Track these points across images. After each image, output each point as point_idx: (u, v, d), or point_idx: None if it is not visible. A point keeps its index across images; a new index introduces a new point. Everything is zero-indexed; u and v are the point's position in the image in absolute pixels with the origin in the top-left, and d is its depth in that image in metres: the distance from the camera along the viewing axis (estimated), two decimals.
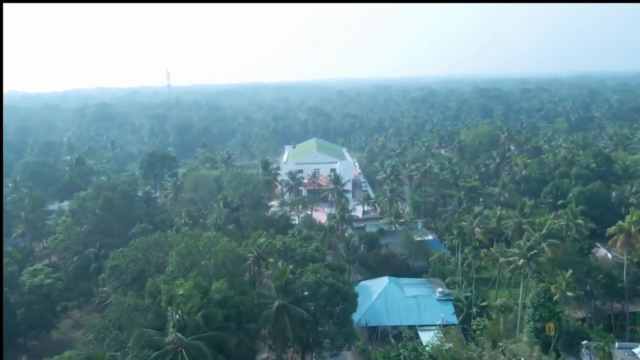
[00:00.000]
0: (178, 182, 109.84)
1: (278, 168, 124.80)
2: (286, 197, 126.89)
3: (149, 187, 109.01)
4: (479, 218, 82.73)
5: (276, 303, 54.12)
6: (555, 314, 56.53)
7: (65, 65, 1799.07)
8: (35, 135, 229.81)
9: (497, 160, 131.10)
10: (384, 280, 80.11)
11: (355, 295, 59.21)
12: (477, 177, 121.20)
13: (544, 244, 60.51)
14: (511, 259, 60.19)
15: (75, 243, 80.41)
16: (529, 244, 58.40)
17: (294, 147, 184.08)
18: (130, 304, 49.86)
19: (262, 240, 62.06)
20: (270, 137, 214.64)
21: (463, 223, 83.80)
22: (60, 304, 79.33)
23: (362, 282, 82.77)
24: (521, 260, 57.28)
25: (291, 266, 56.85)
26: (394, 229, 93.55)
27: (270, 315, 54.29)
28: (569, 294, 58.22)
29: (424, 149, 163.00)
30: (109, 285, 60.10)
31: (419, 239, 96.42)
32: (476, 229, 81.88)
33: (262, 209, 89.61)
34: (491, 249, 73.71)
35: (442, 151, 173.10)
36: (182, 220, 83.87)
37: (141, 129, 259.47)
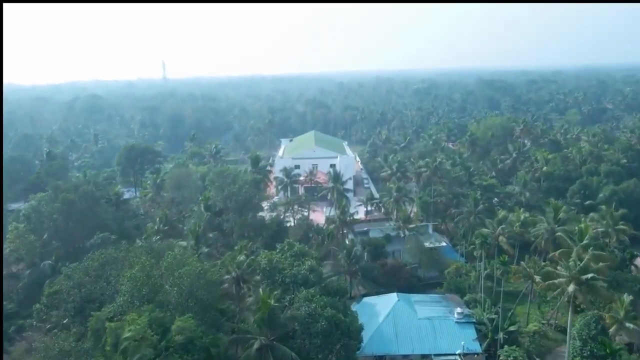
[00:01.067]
0: (158, 181, 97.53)
1: (270, 164, 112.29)
2: (280, 196, 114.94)
3: (119, 186, 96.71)
4: (503, 226, 70.23)
5: (257, 342, 42.07)
6: (614, 351, 44.45)
7: (63, 58, 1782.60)
8: (18, 128, 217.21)
9: (514, 155, 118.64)
10: (392, 297, 67.93)
11: (360, 329, 47.15)
12: (493, 174, 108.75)
13: (595, 265, 47.77)
14: (556, 282, 47.89)
15: (28, 254, 68.16)
16: (580, 264, 45.98)
17: (290, 141, 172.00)
18: (63, 348, 37.77)
19: (242, 257, 49.74)
20: (266, 130, 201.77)
21: (484, 230, 71.51)
22: (15, 323, 68.01)
23: (366, 299, 70.59)
24: (571, 286, 45.00)
25: (277, 292, 44.65)
26: (402, 235, 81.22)
27: (251, 357, 42.32)
28: (629, 325, 46.03)
29: (431, 142, 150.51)
30: (54, 315, 48.01)
31: (430, 245, 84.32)
32: (501, 237, 69.60)
33: (250, 212, 77.24)
34: (522, 263, 61.34)
35: (449, 145, 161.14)
36: (156, 227, 71.68)
37: (131, 122, 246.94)
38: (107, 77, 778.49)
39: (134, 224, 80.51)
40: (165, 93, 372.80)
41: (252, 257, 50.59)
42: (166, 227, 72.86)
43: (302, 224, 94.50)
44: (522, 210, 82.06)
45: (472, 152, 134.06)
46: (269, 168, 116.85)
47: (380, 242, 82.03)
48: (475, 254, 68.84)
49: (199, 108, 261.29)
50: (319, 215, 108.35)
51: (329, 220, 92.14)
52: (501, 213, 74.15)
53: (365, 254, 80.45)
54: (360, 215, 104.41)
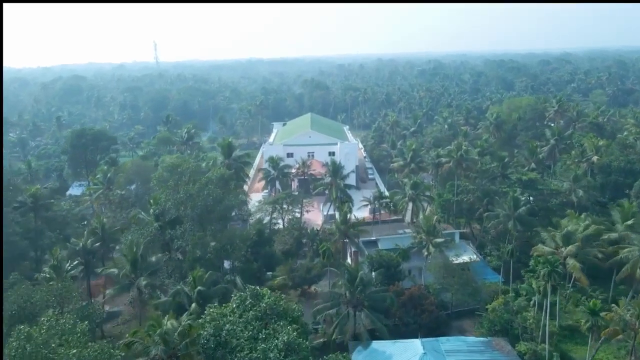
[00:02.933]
0: (109, 174, 76.47)
1: (247, 155, 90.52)
2: (268, 191, 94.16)
3: (39, 185, 75.29)
4: (577, 243, 49.09)
5: None
6: None
7: (59, 41, 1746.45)
8: None
9: (552, 141, 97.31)
10: (415, 347, 47.26)
11: None
12: (533, 165, 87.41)
13: None
14: None
15: None
16: None
17: (284, 125, 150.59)
18: None
19: (170, 323, 28.76)
20: (258, 113, 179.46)
21: (545, 248, 50.52)
22: None
23: (377, 345, 49.81)
24: None
25: None
26: (426, 253, 60.20)
27: None
28: None
29: (446, 126, 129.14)
30: None
31: (458, 260, 63.36)
32: (570, 260, 48.67)
33: (215, 222, 56.03)
34: (616, 308, 40.42)
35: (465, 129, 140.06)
36: (81, 244, 50.64)
37: (111, 104, 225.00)
38: (102, 60, 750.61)
39: (63, 235, 59.35)
40: (153, 74, 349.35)
41: (189, 321, 29.62)
42: (97, 244, 51.81)
43: (293, 227, 74.21)
44: (583, 215, 61.12)
45: (497, 138, 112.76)
46: (258, 160, 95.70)
47: (393, 260, 61.03)
48: (535, 285, 47.80)
49: (185, 89, 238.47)
50: (316, 215, 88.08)
51: (325, 228, 71.56)
52: (565, 223, 52.85)
53: (374, 274, 59.98)
54: (365, 214, 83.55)
